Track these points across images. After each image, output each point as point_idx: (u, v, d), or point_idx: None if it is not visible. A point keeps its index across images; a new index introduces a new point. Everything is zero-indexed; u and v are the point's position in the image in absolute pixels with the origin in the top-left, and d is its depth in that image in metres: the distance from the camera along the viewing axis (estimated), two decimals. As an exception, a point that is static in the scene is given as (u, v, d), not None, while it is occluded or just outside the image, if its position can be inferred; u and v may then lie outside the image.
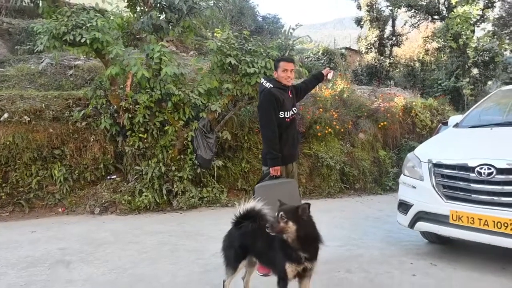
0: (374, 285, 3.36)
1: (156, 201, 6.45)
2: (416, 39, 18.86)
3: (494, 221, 3.39)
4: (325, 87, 9.69)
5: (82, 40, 5.83)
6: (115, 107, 6.67)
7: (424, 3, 17.30)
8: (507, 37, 17.82)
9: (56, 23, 5.84)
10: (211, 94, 6.81)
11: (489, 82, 16.76)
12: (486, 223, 3.43)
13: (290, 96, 3.85)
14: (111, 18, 6.54)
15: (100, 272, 3.74)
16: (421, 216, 3.95)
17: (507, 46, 17.64)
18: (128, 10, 7.27)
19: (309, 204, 2.47)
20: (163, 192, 6.52)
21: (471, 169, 3.58)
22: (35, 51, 6.52)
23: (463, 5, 14.80)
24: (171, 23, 6.96)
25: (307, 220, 2.47)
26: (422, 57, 17.93)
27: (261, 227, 2.63)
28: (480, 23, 16.22)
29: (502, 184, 3.43)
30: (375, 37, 18.13)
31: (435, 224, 3.82)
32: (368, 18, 18.03)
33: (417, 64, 18.02)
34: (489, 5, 15.98)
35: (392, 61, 18.05)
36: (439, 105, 11.18)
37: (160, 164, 6.51)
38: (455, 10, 15.06)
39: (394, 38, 18.48)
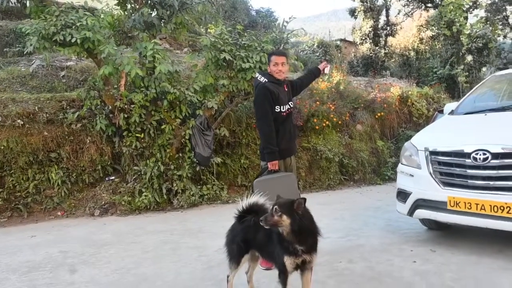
0: (375, 273, 3.39)
1: (156, 200, 6.40)
2: (410, 28, 18.84)
3: (490, 205, 3.45)
4: (321, 79, 9.64)
5: (73, 40, 5.74)
6: (110, 107, 6.59)
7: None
8: (500, 23, 17.84)
9: (44, 23, 5.73)
10: (207, 91, 6.75)
11: (484, 69, 16.77)
12: (483, 208, 3.48)
13: (286, 90, 3.83)
14: (102, 16, 6.44)
15: (103, 273, 3.70)
16: (420, 203, 3.99)
17: (500, 32, 17.67)
18: (119, 7, 7.14)
19: (305, 199, 2.49)
20: (163, 191, 6.47)
21: (467, 155, 3.63)
22: (25, 52, 6.43)
23: (456, -8, 14.78)
24: (163, 20, 6.87)
25: (303, 214, 2.47)
26: (417, 46, 17.94)
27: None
28: (473, 10, 16.21)
29: (498, 168, 3.47)
30: (370, 27, 18.10)
31: (434, 211, 3.87)
32: (362, 8, 17.99)
33: (412, 53, 18.03)
34: (482, -10, 15.99)
35: (387, 51, 18.04)
36: (435, 93, 11.20)
37: (159, 164, 6.46)
38: (447, -3, 15.03)
39: (388, 28, 18.46)
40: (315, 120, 8.20)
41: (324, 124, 8.28)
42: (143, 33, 6.63)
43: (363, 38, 18.27)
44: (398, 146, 9.35)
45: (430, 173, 3.89)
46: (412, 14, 18.64)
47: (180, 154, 6.72)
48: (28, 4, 6.25)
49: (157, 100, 6.59)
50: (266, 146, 3.65)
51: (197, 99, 6.62)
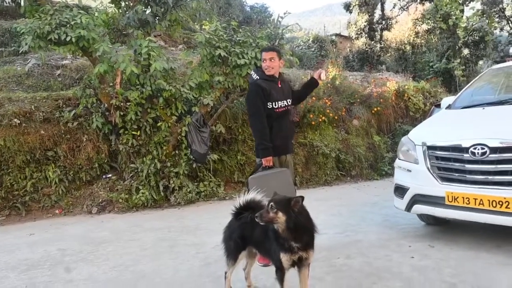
0: (374, 269, 3.38)
1: (153, 198, 6.43)
2: (405, 22, 18.81)
3: (489, 200, 3.41)
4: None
5: (67, 39, 5.76)
6: (106, 105, 6.60)
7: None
8: (496, 15, 17.82)
9: (39, 22, 5.75)
10: (203, 88, 6.76)
11: (480, 62, 16.79)
12: (481, 203, 3.45)
13: (279, 86, 3.79)
14: (96, 14, 6.45)
15: (101, 270, 3.72)
16: (418, 199, 3.96)
17: (496, 25, 17.65)
18: (113, 5, 7.15)
19: (302, 197, 2.48)
20: (160, 189, 6.49)
21: (465, 150, 3.59)
22: (20, 52, 6.43)
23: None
24: (157, 17, 6.87)
25: (299, 211, 2.48)
26: (413, 40, 17.91)
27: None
28: (469, 2, 16.21)
29: (496, 163, 3.44)
30: (365, 22, 18.07)
31: (432, 206, 3.84)
32: (357, 2, 17.94)
33: (408, 47, 18.01)
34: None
35: (382, 45, 18.02)
36: (431, 87, 11.22)
37: (155, 161, 6.48)
38: (443, -10, 15.03)
39: (383, 22, 18.43)
40: (311, 116, 8.22)
41: (320, 120, 8.30)
42: (138, 30, 6.63)
43: (359, 32, 18.25)
44: (395, 141, 9.38)
45: (428, 168, 3.86)
46: (407, 7, 18.61)
47: (177, 151, 6.75)
48: (22, 3, 6.23)
49: (152, 98, 6.61)
50: (260, 142, 3.65)
51: (193, 96, 6.64)
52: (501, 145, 3.43)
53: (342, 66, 11.87)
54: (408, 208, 4.09)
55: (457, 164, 3.67)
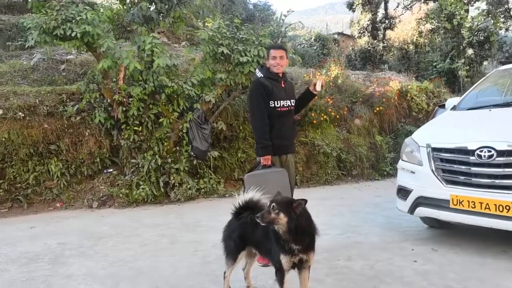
0: (375, 272, 3.34)
1: (153, 193, 6.48)
2: (409, 22, 18.68)
3: (495, 205, 3.34)
4: (319, 73, 9.64)
5: (73, 34, 5.81)
6: (108, 100, 6.65)
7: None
8: (502, 15, 17.68)
9: (45, 17, 5.81)
10: (205, 85, 6.78)
11: (485, 62, 16.68)
12: (487, 207, 3.38)
13: (283, 86, 3.78)
14: (101, 10, 6.49)
15: (100, 266, 3.76)
16: (421, 201, 3.91)
17: (502, 25, 17.50)
18: (118, 2, 7.20)
19: (305, 200, 2.45)
20: (160, 185, 6.54)
21: (471, 152, 3.53)
22: (26, 46, 6.49)
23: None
24: (161, 14, 6.90)
25: (301, 213, 2.44)
26: (416, 39, 17.80)
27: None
28: (474, 2, 16.05)
29: (503, 166, 3.37)
30: (368, 20, 17.96)
31: (436, 209, 3.78)
32: (360, 1, 17.81)
33: (411, 47, 17.90)
34: (483, -18, 15.83)
35: (385, 44, 17.92)
36: (435, 87, 11.13)
37: (156, 157, 6.52)
38: (448, -10, 14.92)
39: (387, 21, 18.28)
40: (312, 114, 8.21)
41: (322, 119, 8.28)
42: (142, 27, 6.67)
43: (361, 31, 18.13)
44: (397, 141, 9.35)
45: (432, 170, 3.80)
46: (411, 7, 18.47)
47: (178, 148, 6.79)
48: (29, -2, 6.28)
49: (155, 94, 6.64)
50: (259, 140, 3.64)
51: (195, 93, 6.66)
52: (509, 148, 3.36)
53: (345, 65, 11.84)
54: (411, 210, 4.03)
55: (462, 166, 3.61)
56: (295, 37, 16.07)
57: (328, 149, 8.09)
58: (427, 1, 17.55)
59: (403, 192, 4.17)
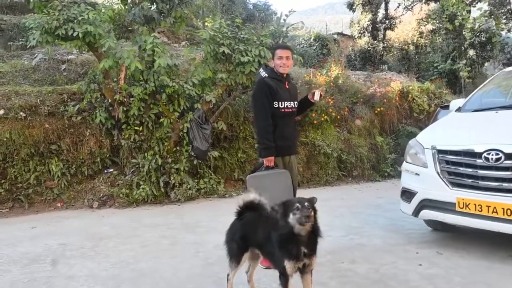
0: (380, 276, 3.29)
1: (153, 193, 6.48)
2: (409, 22, 18.64)
3: (503, 208, 3.29)
4: (319, 73, 9.64)
5: (75, 34, 5.83)
6: (109, 100, 6.65)
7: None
8: (504, 17, 17.64)
9: (47, 17, 5.82)
10: (205, 85, 6.79)
11: (486, 64, 16.64)
12: (495, 210, 3.33)
13: (287, 87, 3.75)
14: (102, 10, 6.49)
15: (102, 267, 3.75)
16: (426, 204, 3.86)
17: (504, 26, 17.46)
18: (119, 1, 7.20)
19: (316, 198, 2.47)
20: (160, 185, 6.54)
21: (478, 155, 3.48)
22: (27, 46, 6.49)
23: (458, -15, 14.62)
24: (162, 14, 6.90)
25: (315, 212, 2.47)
26: (417, 40, 17.76)
27: (261, 218, 2.68)
28: (476, 3, 16.02)
29: (511, 169, 3.32)
30: (368, 21, 17.92)
31: (441, 212, 3.73)
32: (361, 1, 17.77)
33: (412, 47, 17.87)
34: (485, -17, 15.78)
35: (385, 45, 17.89)
36: (436, 88, 11.11)
37: (157, 157, 6.53)
38: (450, -10, 14.87)
39: (387, 21, 18.23)
40: (313, 115, 8.19)
41: (322, 119, 8.28)
42: (143, 27, 6.66)
43: (361, 31, 18.10)
44: (398, 142, 9.36)
45: (438, 173, 3.74)
46: (412, 7, 18.43)
47: (178, 148, 6.79)
48: (31, -2, 6.29)
49: (155, 94, 6.64)
50: (262, 141, 3.60)
51: (196, 93, 6.66)
52: None
53: (344, 65, 11.82)
54: (416, 213, 3.98)
55: (469, 169, 3.55)
56: (294, 37, 16.01)
57: (328, 150, 8.08)
58: (428, 2, 17.51)
59: (407, 194, 4.12)
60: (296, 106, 3.82)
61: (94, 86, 6.69)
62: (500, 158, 3.36)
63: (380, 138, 9.21)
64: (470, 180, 3.55)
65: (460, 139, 3.80)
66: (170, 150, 6.70)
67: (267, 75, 3.70)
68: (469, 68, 14.60)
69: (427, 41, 17.21)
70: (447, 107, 6.59)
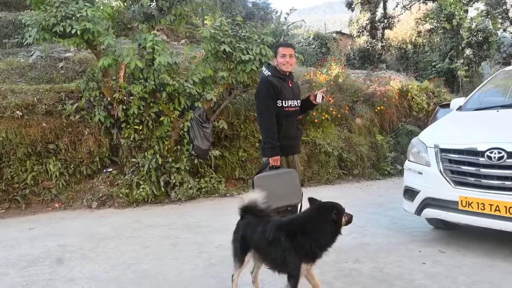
0: (384, 275, 3.27)
1: (154, 193, 6.39)
2: (407, 21, 18.72)
3: (506, 207, 3.30)
4: (319, 72, 9.60)
5: (73, 31, 5.73)
6: (108, 99, 6.54)
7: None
8: (500, 16, 17.75)
9: (45, 14, 5.70)
10: (206, 83, 6.70)
11: (483, 63, 16.74)
12: (497, 209, 3.35)
13: (291, 86, 3.71)
14: (101, 7, 6.39)
15: (102, 269, 3.67)
16: (429, 202, 3.87)
17: (500, 26, 17.57)
18: (118, -2, 7.09)
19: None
20: (161, 184, 6.45)
21: (481, 154, 3.49)
22: (24, 44, 6.37)
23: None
24: (162, 11, 6.79)
25: None
26: (415, 39, 17.84)
27: (261, 219, 2.70)
28: (473, 3, 16.12)
29: None
30: (367, 20, 17.99)
31: (444, 211, 3.74)
32: (359, 0, 17.85)
33: (410, 47, 17.94)
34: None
35: (384, 44, 17.95)
36: (435, 87, 11.15)
37: (157, 156, 6.43)
38: (448, -10, 14.94)
39: (386, 20, 18.35)
40: (314, 113, 8.14)
41: (323, 118, 8.25)
42: (143, 24, 6.56)
43: (360, 30, 18.17)
44: (398, 140, 9.37)
45: (440, 171, 3.76)
46: (410, 7, 18.52)
47: (178, 147, 6.70)
48: (28, -5, 6.17)
49: (156, 92, 6.55)
50: (267, 141, 3.54)
51: (196, 91, 6.58)
52: None
53: (344, 63, 11.80)
54: (418, 211, 4.00)
55: (472, 168, 3.57)
56: (293, 35, 15.96)
57: (329, 148, 8.04)
58: (426, 1, 17.60)
59: (410, 193, 4.13)
60: (299, 105, 3.77)
61: (93, 84, 6.58)
62: (503, 156, 3.38)
63: (380, 137, 9.19)
64: (473, 179, 3.57)
65: (462, 138, 3.83)
66: (170, 149, 6.61)
67: (270, 74, 3.65)
68: (467, 67, 14.68)
69: (425, 40, 17.26)
70: (446, 105, 6.60)
